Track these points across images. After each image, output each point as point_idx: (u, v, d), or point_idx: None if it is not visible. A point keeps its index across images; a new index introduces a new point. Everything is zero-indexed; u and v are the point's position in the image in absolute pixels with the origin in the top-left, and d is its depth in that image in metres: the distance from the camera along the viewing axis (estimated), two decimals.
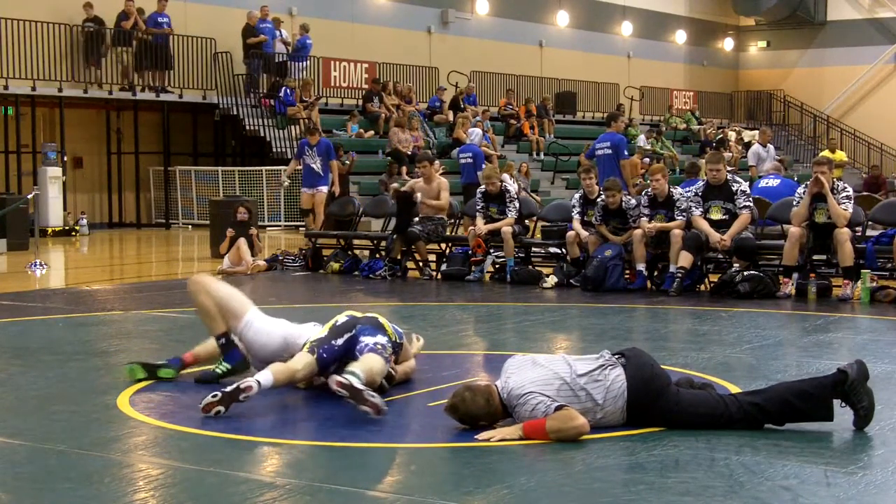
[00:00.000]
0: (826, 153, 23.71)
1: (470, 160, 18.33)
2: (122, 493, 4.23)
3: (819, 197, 10.22)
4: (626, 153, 14.74)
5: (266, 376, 5.58)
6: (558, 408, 4.84)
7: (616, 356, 5.13)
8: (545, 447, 4.76)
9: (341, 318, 6.00)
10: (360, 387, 5.29)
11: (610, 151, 14.35)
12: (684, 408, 5.03)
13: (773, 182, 13.24)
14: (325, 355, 5.82)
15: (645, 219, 11.05)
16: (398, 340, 6.08)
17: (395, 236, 12.73)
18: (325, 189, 16.07)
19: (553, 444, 4.87)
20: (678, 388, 5.16)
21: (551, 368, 5.03)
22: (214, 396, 5.41)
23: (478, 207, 12.36)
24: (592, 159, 15.00)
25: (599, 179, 12.02)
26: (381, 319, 6.03)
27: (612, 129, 14.94)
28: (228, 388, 5.44)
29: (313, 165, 16.06)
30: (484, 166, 18.05)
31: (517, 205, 12.21)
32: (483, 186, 12.55)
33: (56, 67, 21.12)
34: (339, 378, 5.32)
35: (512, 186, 12.88)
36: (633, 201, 11.47)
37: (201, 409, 5.40)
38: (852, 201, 10.25)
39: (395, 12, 28.49)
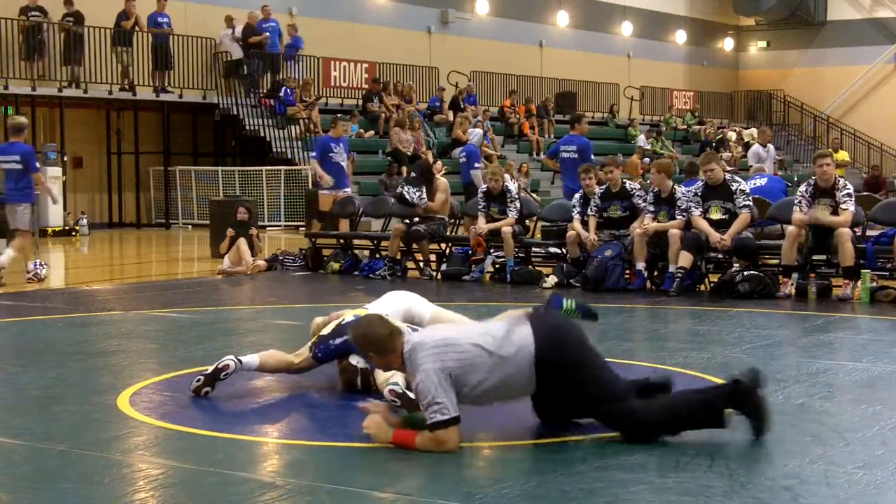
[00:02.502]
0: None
1: (464, 159, 18.40)
2: (122, 493, 4.23)
3: (822, 192, 10.23)
4: (591, 158, 13.69)
5: (252, 358, 5.96)
6: (440, 423, 4.63)
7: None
8: (545, 448, 4.75)
9: (349, 317, 6.00)
10: (413, 396, 5.29)
11: (575, 155, 13.81)
12: (601, 390, 4.80)
13: (761, 181, 13.32)
14: (319, 354, 5.98)
15: (649, 216, 11.05)
16: None
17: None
18: (348, 190, 15.00)
19: (553, 444, 4.87)
20: (611, 372, 4.94)
21: (467, 341, 4.81)
22: (198, 381, 5.80)
23: (480, 207, 12.36)
24: (554, 160, 14.88)
25: (563, 183, 11.91)
26: (392, 320, 5.97)
27: (576, 132, 14.36)
28: (210, 370, 5.82)
29: (343, 163, 14.89)
30: (477, 165, 18.10)
31: (518, 205, 12.20)
32: (485, 186, 12.56)
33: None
34: (393, 387, 5.35)
35: (513, 186, 12.89)
36: (637, 184, 11.48)
37: (192, 392, 5.79)
38: (853, 199, 10.25)
39: (395, 12, 28.49)
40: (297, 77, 24.23)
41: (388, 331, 4.84)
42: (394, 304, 6.34)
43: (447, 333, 4.89)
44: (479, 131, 24.45)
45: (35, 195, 12.49)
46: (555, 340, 4.83)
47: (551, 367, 4.80)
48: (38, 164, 12.45)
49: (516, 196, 12.39)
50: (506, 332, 4.85)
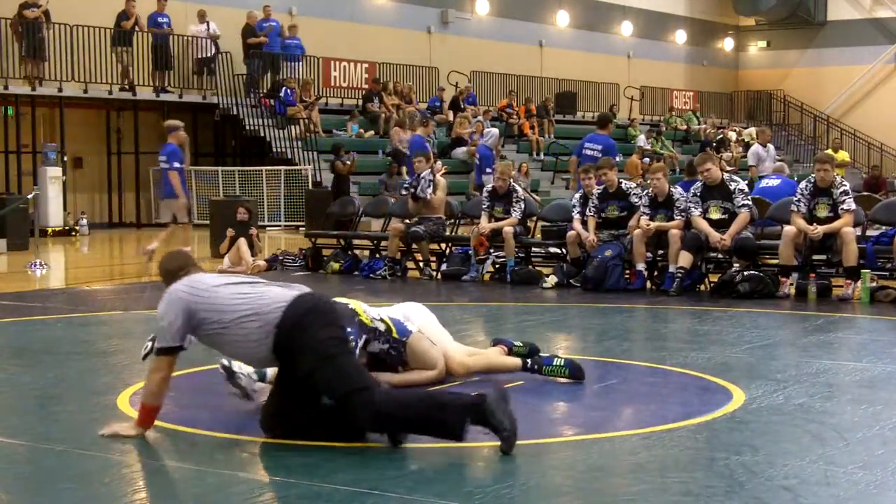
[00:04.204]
0: (829, 152, 23.69)
1: (478, 161, 18.34)
2: (122, 493, 4.23)
3: (821, 192, 10.24)
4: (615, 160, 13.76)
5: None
6: (158, 349, 4.86)
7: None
8: (545, 448, 4.74)
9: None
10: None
11: (599, 154, 13.92)
12: (332, 365, 4.71)
13: (774, 182, 13.24)
14: None
15: (645, 217, 11.04)
16: (397, 335, 5.88)
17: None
18: None
19: (552, 444, 4.87)
20: (357, 365, 4.90)
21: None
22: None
23: (484, 206, 12.33)
24: (580, 157, 14.90)
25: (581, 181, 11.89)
26: (357, 306, 5.90)
27: (604, 132, 14.42)
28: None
29: None
30: (489, 170, 18.06)
31: (523, 206, 12.14)
32: (490, 185, 12.56)
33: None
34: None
35: (518, 187, 12.88)
36: (634, 184, 11.47)
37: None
38: (850, 196, 10.26)
39: (395, 12, 28.50)
40: (297, 77, 24.23)
41: (176, 266, 5.08)
42: (397, 309, 6.34)
43: (214, 281, 4.98)
44: (495, 131, 24.27)
45: (187, 191, 14.13)
46: (304, 313, 4.79)
47: (290, 334, 4.75)
48: (176, 164, 13.70)
49: (521, 197, 12.36)
50: (269, 292, 4.89)
